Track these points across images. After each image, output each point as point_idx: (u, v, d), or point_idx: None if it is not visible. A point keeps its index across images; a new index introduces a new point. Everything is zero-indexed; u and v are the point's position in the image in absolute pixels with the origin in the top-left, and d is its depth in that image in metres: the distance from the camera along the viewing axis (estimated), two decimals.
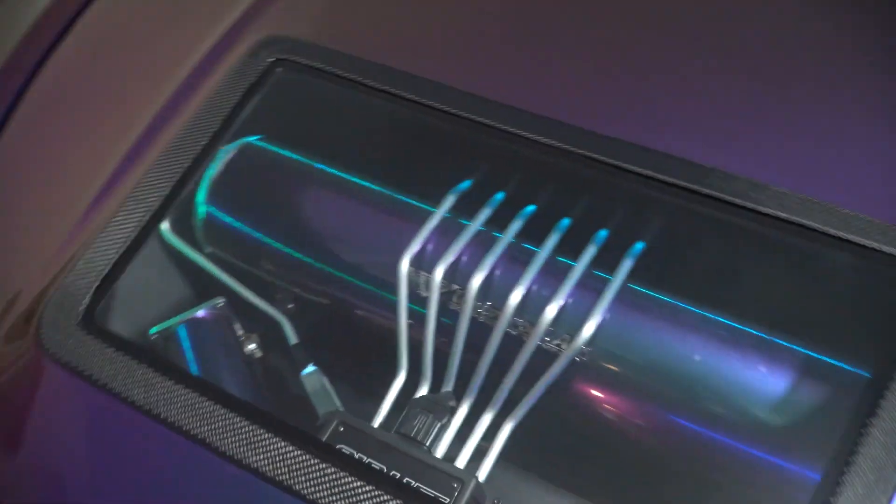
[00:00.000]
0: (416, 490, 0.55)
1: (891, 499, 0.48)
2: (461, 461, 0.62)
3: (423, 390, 0.67)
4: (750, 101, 0.72)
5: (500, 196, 0.73)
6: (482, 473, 0.61)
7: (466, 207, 0.72)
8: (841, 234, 0.58)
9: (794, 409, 0.57)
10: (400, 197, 0.76)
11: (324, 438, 0.59)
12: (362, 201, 0.77)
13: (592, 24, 0.82)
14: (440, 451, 0.62)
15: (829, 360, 0.59)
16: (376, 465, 0.57)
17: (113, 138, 0.83)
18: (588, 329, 0.62)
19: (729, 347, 0.61)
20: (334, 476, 0.55)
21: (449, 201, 0.72)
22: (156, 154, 0.77)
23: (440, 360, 0.67)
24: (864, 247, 0.57)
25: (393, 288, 0.70)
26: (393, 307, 0.70)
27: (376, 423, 0.65)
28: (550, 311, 0.63)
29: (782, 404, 0.58)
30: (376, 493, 0.54)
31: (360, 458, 0.57)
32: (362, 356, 0.77)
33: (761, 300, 0.65)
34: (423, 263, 0.69)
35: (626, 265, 0.66)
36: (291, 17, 0.86)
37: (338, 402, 0.68)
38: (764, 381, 0.59)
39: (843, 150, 0.67)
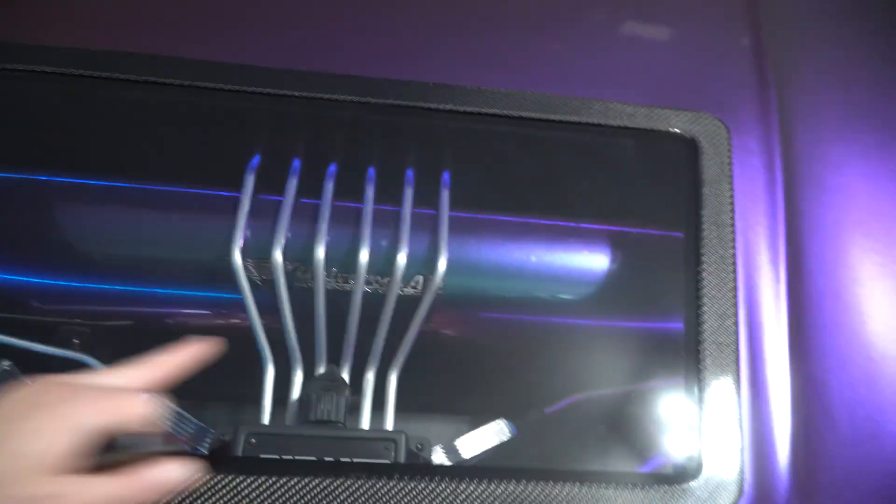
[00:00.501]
0: (357, 465, 0.56)
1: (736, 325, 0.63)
2: (381, 422, 0.63)
3: (298, 374, 0.66)
4: (486, 19, 0.79)
5: (297, 163, 0.72)
6: (388, 424, 0.63)
7: (268, 182, 0.69)
8: (612, 122, 0.70)
9: (628, 275, 0.70)
10: (191, 191, 0.70)
11: (240, 454, 0.56)
12: (157, 207, 0.69)
13: None
14: (359, 422, 0.62)
15: (645, 231, 0.73)
16: (307, 458, 0.56)
17: None
18: (441, 265, 0.66)
19: (557, 242, 0.71)
20: (274, 485, 0.53)
21: (250, 182, 0.69)
22: None
23: (307, 341, 0.66)
24: (633, 129, 0.70)
25: (219, 287, 0.66)
26: (225, 306, 0.66)
27: (271, 420, 0.63)
28: (401, 258, 0.66)
29: (618, 273, 0.70)
30: (323, 483, 0.54)
31: (290, 459, 0.56)
32: (216, 366, 0.72)
33: (566, 195, 0.76)
34: (250, 252, 0.67)
35: (445, 196, 0.71)
36: None
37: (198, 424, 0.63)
38: (598, 260, 0.71)
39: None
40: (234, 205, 0.68)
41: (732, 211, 0.67)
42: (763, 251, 0.67)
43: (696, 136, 0.70)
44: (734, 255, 0.65)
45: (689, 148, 0.70)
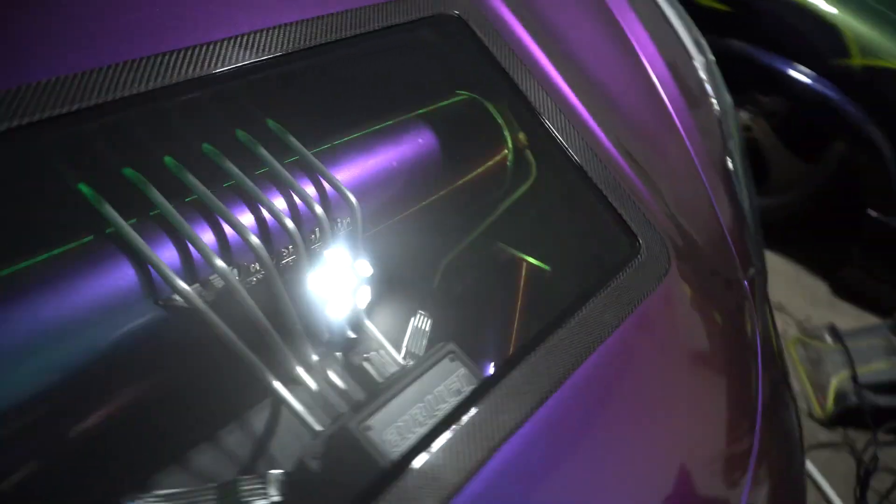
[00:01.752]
0: None
1: None
2: None
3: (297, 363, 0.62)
4: None
5: (129, 172, 0.61)
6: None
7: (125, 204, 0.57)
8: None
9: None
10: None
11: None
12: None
13: None
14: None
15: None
16: None
17: None
18: (353, 200, 0.68)
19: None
20: None
21: (108, 209, 0.57)
22: None
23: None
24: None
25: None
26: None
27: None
28: (320, 211, 0.65)
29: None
30: None
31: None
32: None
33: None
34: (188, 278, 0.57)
35: (293, 142, 0.70)
36: None
37: None
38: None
39: None
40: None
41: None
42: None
43: (457, 12, 0.81)
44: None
45: (457, 22, 0.81)
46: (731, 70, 2.20)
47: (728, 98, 1.26)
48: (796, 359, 1.99)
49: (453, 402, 0.58)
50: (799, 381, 1.93)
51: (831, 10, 1.95)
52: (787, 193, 2.30)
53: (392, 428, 0.55)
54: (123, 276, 0.56)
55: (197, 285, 0.58)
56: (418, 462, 0.52)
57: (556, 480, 0.57)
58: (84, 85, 0.55)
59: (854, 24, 1.94)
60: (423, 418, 0.56)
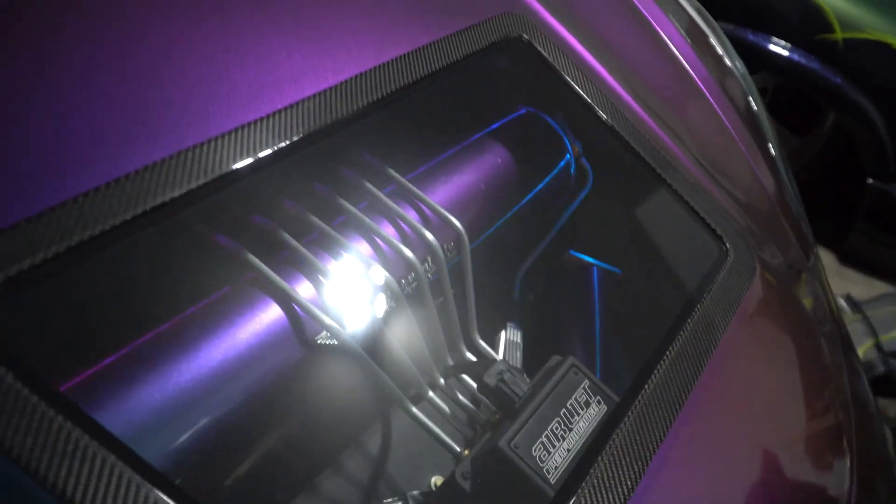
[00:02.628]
0: None
1: None
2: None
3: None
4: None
5: (258, 220, 0.63)
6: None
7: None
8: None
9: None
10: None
11: None
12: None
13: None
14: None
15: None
16: None
17: None
18: (458, 224, 0.71)
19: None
20: None
21: (249, 256, 0.60)
22: None
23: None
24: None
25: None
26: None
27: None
28: (430, 237, 0.68)
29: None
30: None
31: None
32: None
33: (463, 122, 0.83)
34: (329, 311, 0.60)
35: (393, 173, 0.72)
36: None
37: None
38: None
39: None
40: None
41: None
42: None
43: (522, 34, 0.84)
44: None
45: (523, 44, 0.84)
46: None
47: (743, 67, 1.30)
48: None
49: (587, 415, 0.61)
50: None
51: None
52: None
53: (537, 444, 0.58)
54: (271, 317, 0.58)
55: (335, 320, 0.60)
56: (580, 480, 0.56)
57: (701, 491, 0.61)
58: (207, 152, 0.56)
59: (833, 1, 2.00)
60: (562, 433, 0.60)
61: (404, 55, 0.74)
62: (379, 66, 0.72)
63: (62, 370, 0.47)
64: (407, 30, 0.79)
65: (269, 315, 0.59)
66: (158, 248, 0.57)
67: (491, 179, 0.83)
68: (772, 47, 2.12)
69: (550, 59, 0.84)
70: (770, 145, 1.14)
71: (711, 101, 1.03)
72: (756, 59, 2.17)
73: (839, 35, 2.02)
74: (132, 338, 0.52)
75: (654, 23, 1.08)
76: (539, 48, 0.84)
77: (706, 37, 1.21)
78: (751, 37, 2.15)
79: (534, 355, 0.82)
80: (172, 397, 0.51)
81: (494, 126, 0.87)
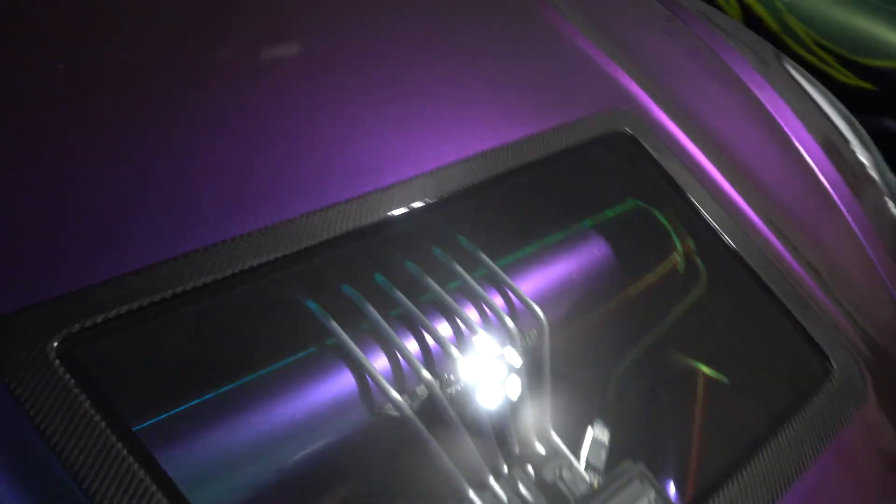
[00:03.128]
0: None
1: None
2: None
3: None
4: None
5: (347, 289, 0.67)
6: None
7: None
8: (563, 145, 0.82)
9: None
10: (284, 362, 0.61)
11: None
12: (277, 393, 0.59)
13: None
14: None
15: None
16: None
17: None
18: (540, 313, 0.72)
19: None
20: None
21: (332, 324, 0.63)
22: None
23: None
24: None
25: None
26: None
27: None
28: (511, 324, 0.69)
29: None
30: None
31: None
32: None
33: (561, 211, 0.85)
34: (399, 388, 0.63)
35: (483, 257, 0.74)
36: None
37: None
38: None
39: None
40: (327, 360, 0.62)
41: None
42: None
43: (626, 128, 0.85)
44: None
45: (627, 139, 0.85)
46: (891, 150, 2.10)
47: (894, 179, 1.22)
48: None
49: None
50: None
51: None
52: None
53: None
54: (344, 384, 0.62)
55: (405, 395, 0.63)
56: None
57: None
58: (309, 223, 0.62)
59: None
60: None
61: (507, 144, 0.78)
62: (481, 154, 0.76)
63: (145, 408, 0.53)
64: (514, 120, 0.83)
65: (343, 381, 0.62)
66: (252, 306, 0.63)
67: (587, 270, 0.84)
68: None
69: (655, 154, 0.84)
70: None
71: (841, 207, 0.97)
72: None
73: None
74: (214, 386, 0.57)
75: (780, 120, 1.05)
76: (644, 143, 0.84)
77: (842, 138, 1.15)
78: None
79: (620, 456, 0.79)
80: (238, 448, 0.55)
81: (594, 220, 0.88)
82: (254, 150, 0.65)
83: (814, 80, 1.24)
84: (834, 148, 1.08)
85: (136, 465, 0.44)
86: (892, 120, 2.01)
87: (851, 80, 2.04)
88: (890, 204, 1.11)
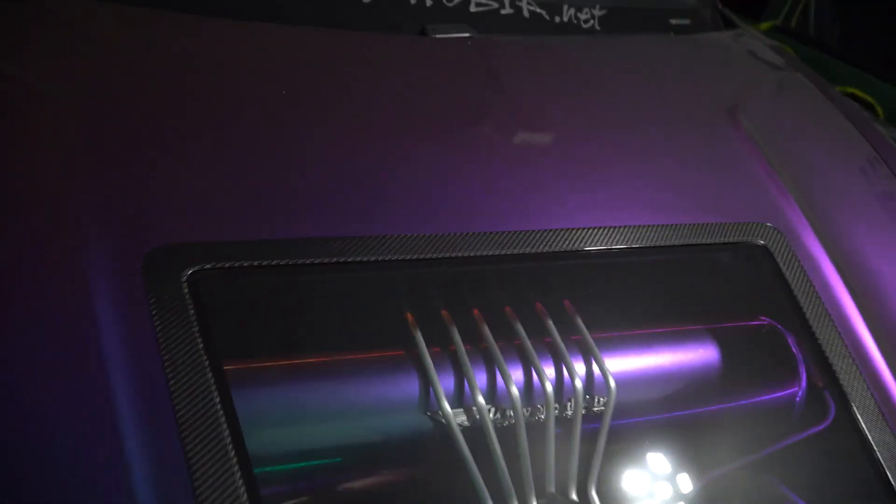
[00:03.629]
0: None
1: None
2: None
3: None
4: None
5: (444, 315, 0.77)
6: None
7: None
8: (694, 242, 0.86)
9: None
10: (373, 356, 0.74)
11: None
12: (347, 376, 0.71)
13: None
14: None
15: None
16: None
17: None
18: (612, 383, 0.75)
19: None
20: None
21: (419, 336, 0.74)
22: None
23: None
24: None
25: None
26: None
27: None
28: (578, 384, 0.74)
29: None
30: None
31: None
32: None
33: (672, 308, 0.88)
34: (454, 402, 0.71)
35: (579, 322, 0.80)
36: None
37: None
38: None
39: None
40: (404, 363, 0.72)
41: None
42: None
43: (763, 242, 0.87)
44: None
45: (762, 252, 0.87)
46: None
47: None
48: None
49: None
50: None
51: None
52: None
53: None
54: (409, 389, 0.72)
55: (460, 411, 0.71)
56: None
57: None
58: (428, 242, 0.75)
59: None
60: None
61: (644, 226, 0.84)
62: (615, 227, 0.83)
63: (239, 350, 0.68)
64: (660, 206, 0.89)
65: (408, 387, 0.72)
66: (361, 297, 0.77)
67: (688, 371, 0.85)
68: None
69: (787, 275, 0.84)
70: None
71: None
72: None
73: None
74: (302, 353, 0.71)
75: None
76: (778, 261, 0.85)
77: None
78: None
79: None
80: (302, 411, 0.68)
81: (713, 326, 0.89)
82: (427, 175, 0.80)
83: None
84: None
85: (214, 392, 0.59)
86: None
87: None
88: None
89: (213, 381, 0.60)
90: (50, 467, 0.54)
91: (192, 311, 0.62)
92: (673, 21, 1.45)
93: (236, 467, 0.56)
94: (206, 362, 0.60)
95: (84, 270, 0.63)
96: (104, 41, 0.91)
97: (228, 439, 0.57)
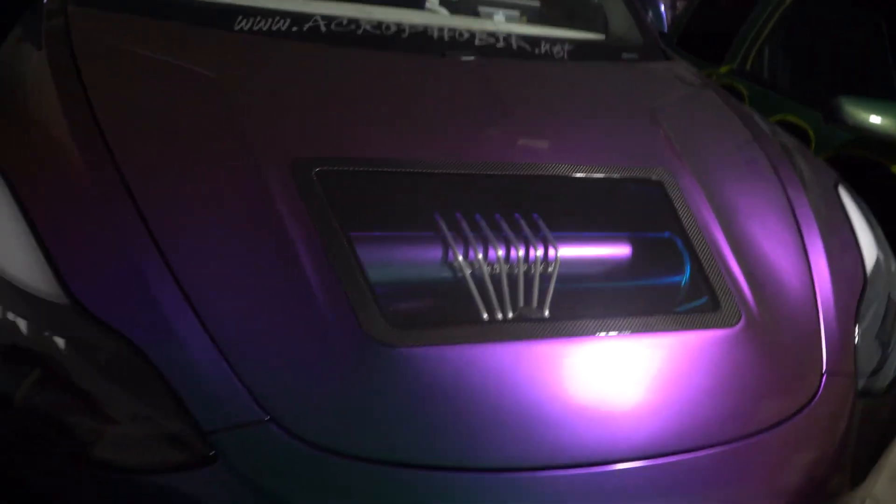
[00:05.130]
0: None
1: None
2: None
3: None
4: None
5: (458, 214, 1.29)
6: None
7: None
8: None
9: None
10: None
11: None
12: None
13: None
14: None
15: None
16: None
17: None
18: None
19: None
20: None
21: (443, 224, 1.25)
22: None
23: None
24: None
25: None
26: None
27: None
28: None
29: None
30: None
31: None
32: None
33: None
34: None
35: (541, 221, 1.31)
36: None
37: None
38: None
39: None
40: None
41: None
42: None
43: (659, 178, 1.39)
44: None
45: (658, 186, 1.39)
46: None
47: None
48: None
49: None
50: None
51: None
52: None
53: None
54: (436, 251, 1.23)
55: (468, 263, 1.21)
56: None
57: None
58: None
59: None
60: None
61: (582, 166, 1.37)
62: (565, 164, 1.36)
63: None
64: (597, 155, 1.42)
65: (436, 248, 1.24)
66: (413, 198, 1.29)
67: (613, 259, 1.36)
68: None
69: (675, 204, 1.36)
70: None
71: (806, 258, 1.37)
72: None
73: None
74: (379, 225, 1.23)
75: (801, 222, 1.46)
76: (670, 195, 1.37)
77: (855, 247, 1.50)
78: None
79: None
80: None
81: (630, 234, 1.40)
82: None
83: (865, 208, 1.62)
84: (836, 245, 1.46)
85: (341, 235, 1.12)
86: None
87: None
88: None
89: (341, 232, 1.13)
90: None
91: (321, 191, 1.14)
92: (624, 55, 2.01)
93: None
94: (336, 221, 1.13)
95: (262, 172, 1.17)
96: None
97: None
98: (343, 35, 1.61)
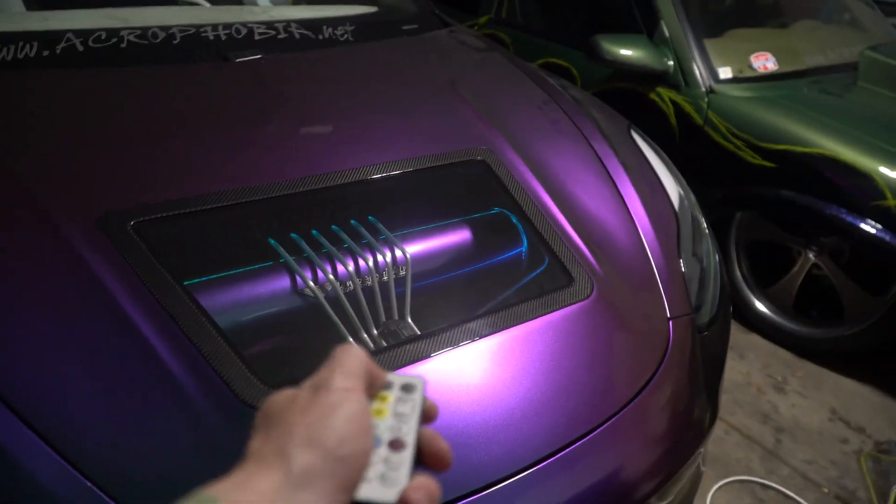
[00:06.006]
0: None
1: None
2: None
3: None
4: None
5: (294, 236, 1.20)
6: None
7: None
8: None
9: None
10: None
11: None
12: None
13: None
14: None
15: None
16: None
17: None
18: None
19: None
20: None
21: (282, 251, 1.16)
22: None
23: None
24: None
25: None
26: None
27: None
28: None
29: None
30: None
31: None
32: None
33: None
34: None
35: (380, 225, 1.26)
36: None
37: None
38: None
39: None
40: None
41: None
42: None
43: (482, 158, 1.39)
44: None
45: (483, 165, 1.38)
46: (791, 216, 2.56)
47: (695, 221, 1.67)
48: (865, 471, 2.14)
49: None
50: (866, 490, 2.08)
51: (862, 160, 2.32)
52: (863, 324, 2.52)
53: None
54: (282, 280, 1.13)
55: (319, 287, 1.13)
56: None
57: None
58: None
59: (883, 171, 2.28)
60: None
61: (406, 160, 1.32)
62: (391, 163, 1.30)
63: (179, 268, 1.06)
64: (412, 145, 1.37)
65: (282, 279, 1.14)
66: (238, 232, 1.16)
67: (455, 250, 1.34)
68: (834, 212, 2.41)
69: (502, 178, 1.37)
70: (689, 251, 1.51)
71: (633, 215, 1.47)
72: (825, 225, 2.46)
73: (892, 202, 2.28)
74: (211, 269, 1.10)
75: (608, 167, 1.56)
76: (493, 168, 1.38)
77: (655, 178, 1.64)
78: (815, 205, 2.45)
79: None
80: (219, 302, 1.08)
81: (468, 217, 1.39)
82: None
83: (656, 147, 1.76)
84: (643, 183, 1.58)
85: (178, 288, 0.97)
86: (787, 190, 2.50)
87: (757, 160, 2.55)
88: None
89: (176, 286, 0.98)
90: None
91: (143, 247, 0.99)
92: (404, 27, 1.97)
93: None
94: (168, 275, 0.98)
95: (71, 232, 0.98)
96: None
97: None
98: (106, 52, 1.38)
